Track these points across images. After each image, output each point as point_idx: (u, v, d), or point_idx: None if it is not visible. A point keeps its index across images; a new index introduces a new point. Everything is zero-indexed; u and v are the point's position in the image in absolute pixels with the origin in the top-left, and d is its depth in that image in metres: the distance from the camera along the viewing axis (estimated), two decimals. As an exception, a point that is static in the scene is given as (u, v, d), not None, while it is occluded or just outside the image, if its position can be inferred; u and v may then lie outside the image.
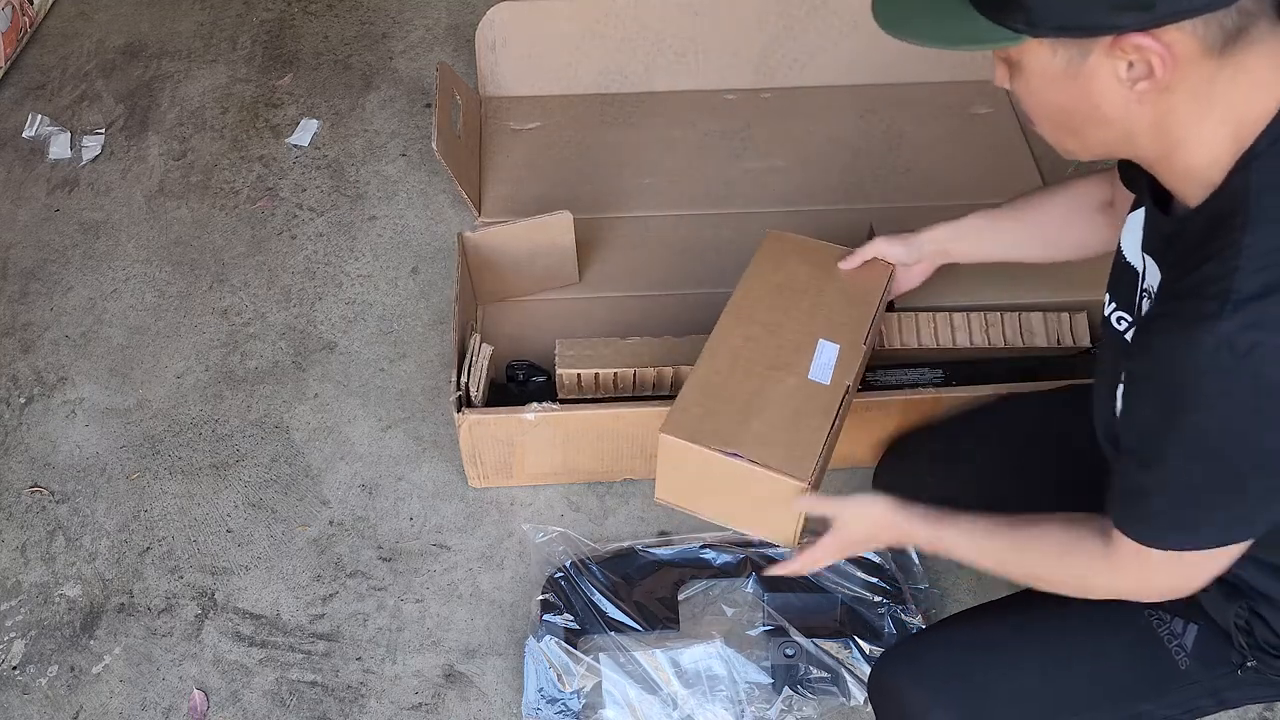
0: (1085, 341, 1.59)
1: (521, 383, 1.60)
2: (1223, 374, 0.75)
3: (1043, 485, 1.24)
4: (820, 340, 1.33)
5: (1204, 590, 0.96)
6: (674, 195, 1.88)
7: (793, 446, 1.21)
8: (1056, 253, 1.28)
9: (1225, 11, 0.73)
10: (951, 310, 1.60)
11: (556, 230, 1.65)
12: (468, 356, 1.48)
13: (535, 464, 1.56)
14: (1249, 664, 1.03)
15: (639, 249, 1.81)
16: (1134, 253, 0.97)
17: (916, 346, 1.58)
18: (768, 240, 1.46)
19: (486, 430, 1.48)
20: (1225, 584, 1.00)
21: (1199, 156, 0.80)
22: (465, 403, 1.46)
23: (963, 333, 1.59)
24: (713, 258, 1.78)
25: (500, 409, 1.46)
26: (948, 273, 1.45)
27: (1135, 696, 1.07)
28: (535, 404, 1.45)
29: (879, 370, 1.58)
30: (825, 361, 1.32)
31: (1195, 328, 0.75)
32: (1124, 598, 0.98)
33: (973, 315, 1.60)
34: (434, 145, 1.63)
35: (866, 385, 1.53)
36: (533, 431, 1.48)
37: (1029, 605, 1.15)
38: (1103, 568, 0.94)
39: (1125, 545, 0.90)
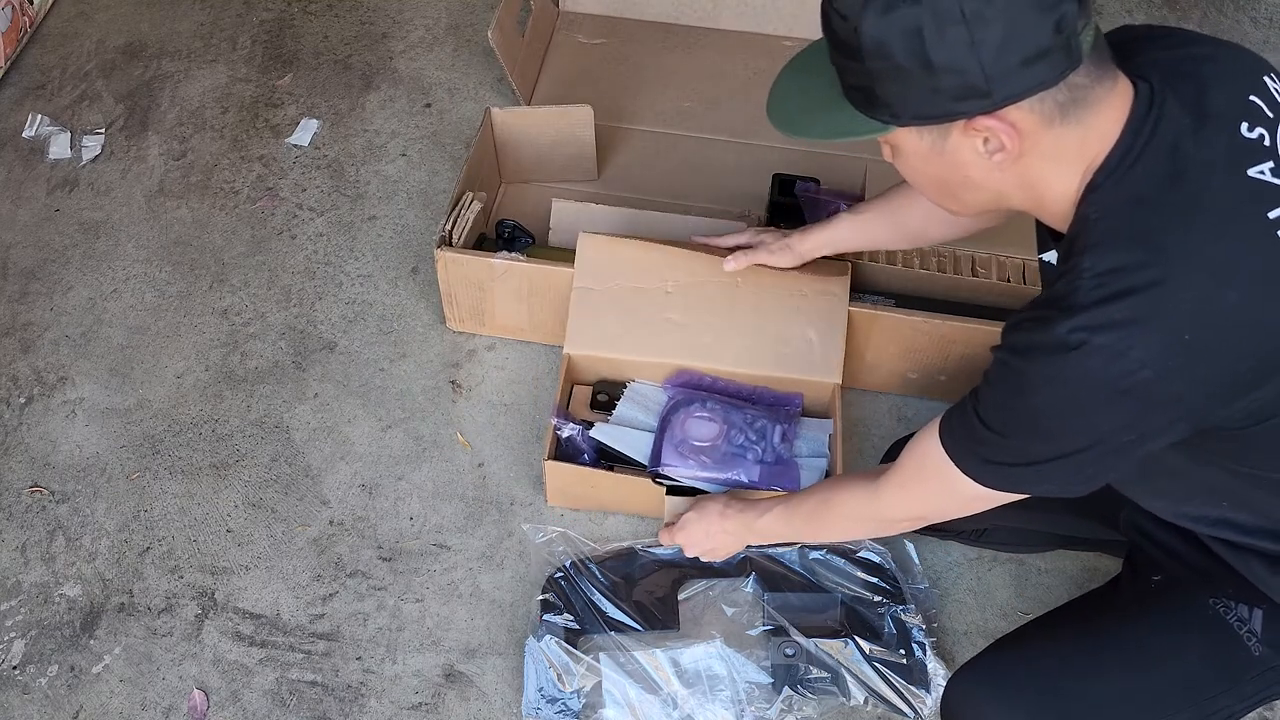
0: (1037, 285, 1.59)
1: (507, 240, 1.74)
2: (1054, 364, 0.88)
3: None
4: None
5: (1251, 567, 1.04)
6: (707, 120, 2.01)
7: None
8: (921, 243, 1.44)
9: (1056, 88, 0.86)
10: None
11: (576, 121, 1.79)
12: (458, 207, 1.64)
13: (504, 314, 1.70)
14: None
15: (661, 162, 1.95)
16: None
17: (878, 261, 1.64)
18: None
19: (460, 270, 1.63)
20: (1269, 557, 1.03)
21: (1062, 201, 0.93)
22: (447, 244, 1.61)
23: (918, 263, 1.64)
24: (729, 183, 1.89)
25: (473, 251, 1.63)
26: None
27: (1215, 691, 1.07)
28: (504, 252, 1.61)
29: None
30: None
31: (1042, 330, 0.88)
32: (889, 521, 1.16)
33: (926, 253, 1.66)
34: (489, 33, 1.79)
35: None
36: (501, 279, 1.63)
37: (1095, 610, 1.17)
38: (869, 498, 1.12)
39: (890, 478, 1.09)
